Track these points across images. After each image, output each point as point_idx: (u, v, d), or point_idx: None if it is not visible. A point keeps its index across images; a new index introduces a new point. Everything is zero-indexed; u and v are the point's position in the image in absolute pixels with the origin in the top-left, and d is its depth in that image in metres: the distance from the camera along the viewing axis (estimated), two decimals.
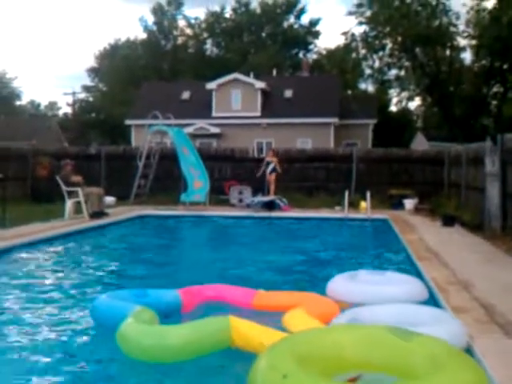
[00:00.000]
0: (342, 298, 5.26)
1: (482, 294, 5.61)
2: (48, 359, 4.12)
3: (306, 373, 2.89)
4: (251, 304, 5.19)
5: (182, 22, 52.00)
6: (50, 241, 9.52)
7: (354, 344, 3.19)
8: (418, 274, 6.65)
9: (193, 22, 52.21)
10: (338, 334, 3.41)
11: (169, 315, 4.88)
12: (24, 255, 8.36)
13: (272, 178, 16.57)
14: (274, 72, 35.32)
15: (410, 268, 7.40)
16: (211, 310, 4.97)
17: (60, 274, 7.19)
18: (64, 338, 4.61)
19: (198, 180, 15.29)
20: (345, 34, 30.21)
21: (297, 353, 3.08)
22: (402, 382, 3.10)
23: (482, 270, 6.98)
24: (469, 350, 3.96)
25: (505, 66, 28.12)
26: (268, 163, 16.75)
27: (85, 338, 4.72)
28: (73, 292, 6.19)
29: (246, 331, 4.10)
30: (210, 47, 53.41)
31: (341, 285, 5.57)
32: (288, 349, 3.16)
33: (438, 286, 5.93)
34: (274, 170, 16.58)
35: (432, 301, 5.52)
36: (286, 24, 51.90)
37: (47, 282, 6.70)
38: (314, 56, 52.27)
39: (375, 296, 5.15)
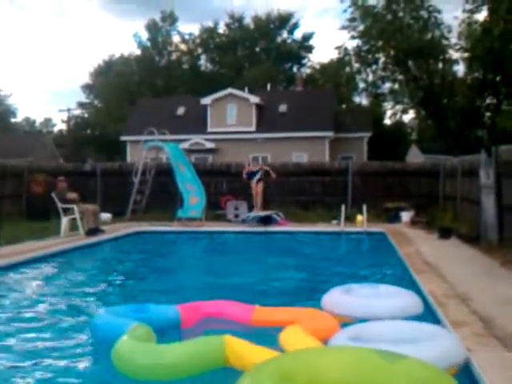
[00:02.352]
0: (337, 311, 5.24)
1: (480, 307, 5.61)
2: (45, 377, 4.09)
3: None
4: (250, 320, 5.17)
5: (176, 38, 52.42)
6: (45, 258, 9.48)
7: (340, 366, 3.15)
8: (415, 287, 6.63)
9: (187, 37, 52.62)
10: (324, 356, 3.36)
11: (168, 331, 4.85)
12: (20, 273, 8.31)
13: (259, 188, 16.15)
14: (268, 87, 35.53)
15: (407, 281, 7.38)
16: (211, 327, 4.94)
17: (56, 291, 7.14)
18: (62, 356, 4.56)
19: (194, 196, 15.26)
20: (338, 48, 30.34)
21: (281, 373, 3.06)
22: None
23: (479, 283, 6.98)
24: (467, 365, 3.96)
25: (497, 78, 28.29)
26: (255, 173, 16.23)
27: (83, 355, 4.67)
28: (70, 309, 6.14)
29: (241, 351, 4.05)
30: (204, 63, 53.76)
31: (336, 298, 5.55)
32: (273, 368, 3.14)
33: (435, 300, 5.92)
34: (260, 179, 16.12)
35: (430, 314, 5.51)
36: (279, 39, 52.34)
37: (44, 299, 6.65)
38: (308, 70, 52.65)
39: (370, 309, 5.14)
